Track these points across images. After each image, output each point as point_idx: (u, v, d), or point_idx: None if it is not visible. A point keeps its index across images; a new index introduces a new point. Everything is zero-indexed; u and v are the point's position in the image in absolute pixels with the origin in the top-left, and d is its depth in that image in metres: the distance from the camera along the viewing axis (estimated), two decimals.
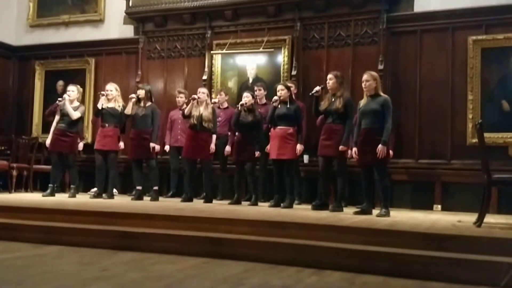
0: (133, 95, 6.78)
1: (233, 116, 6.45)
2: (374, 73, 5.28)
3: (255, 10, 7.77)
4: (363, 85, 5.22)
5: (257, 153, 6.25)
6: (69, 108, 6.70)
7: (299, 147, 5.85)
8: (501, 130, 6.45)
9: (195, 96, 6.48)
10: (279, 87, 6.03)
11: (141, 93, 6.71)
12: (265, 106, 6.70)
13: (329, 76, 5.68)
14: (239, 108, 6.31)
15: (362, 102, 5.26)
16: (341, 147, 5.45)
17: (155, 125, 6.67)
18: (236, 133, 6.47)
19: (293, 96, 6.47)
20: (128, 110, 6.66)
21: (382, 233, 3.60)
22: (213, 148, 6.49)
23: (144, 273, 2.97)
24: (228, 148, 6.85)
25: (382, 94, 5.24)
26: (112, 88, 6.79)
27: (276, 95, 6.00)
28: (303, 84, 7.24)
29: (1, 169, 7.65)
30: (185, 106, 7.14)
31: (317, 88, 5.67)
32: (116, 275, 2.85)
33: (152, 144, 6.58)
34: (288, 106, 5.93)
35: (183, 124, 7.16)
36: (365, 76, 5.23)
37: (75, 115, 6.72)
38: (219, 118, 6.94)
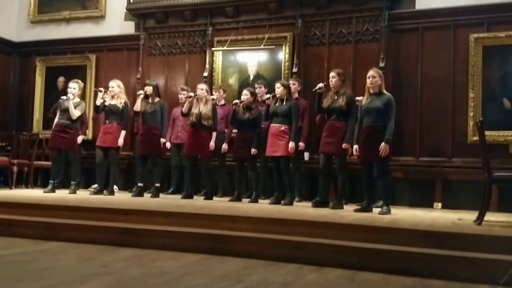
0: (141, 92, 6.80)
1: (230, 114, 6.49)
2: (379, 70, 5.27)
3: (256, 7, 7.76)
4: (368, 81, 5.18)
5: (253, 151, 6.22)
6: (71, 107, 6.71)
7: (291, 144, 5.81)
8: (502, 128, 6.44)
9: (191, 94, 6.52)
10: (277, 85, 6.05)
11: (149, 89, 6.71)
12: (266, 103, 6.69)
13: (332, 74, 5.65)
14: (234, 107, 6.34)
15: (364, 100, 5.23)
16: (344, 145, 5.43)
17: (164, 120, 6.72)
18: (235, 131, 6.48)
19: (298, 94, 6.50)
20: (137, 107, 6.71)
21: (382, 230, 3.61)
22: (212, 145, 6.50)
23: (144, 269, 2.98)
24: (225, 146, 6.87)
25: (385, 92, 5.22)
26: (114, 85, 6.79)
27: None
28: (304, 82, 7.21)
29: (2, 165, 7.66)
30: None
31: (320, 84, 5.66)
32: (116, 271, 2.85)
33: (162, 140, 6.67)
34: (283, 103, 5.93)
35: (184, 121, 7.16)
36: (371, 72, 5.20)
37: (76, 113, 6.73)
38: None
